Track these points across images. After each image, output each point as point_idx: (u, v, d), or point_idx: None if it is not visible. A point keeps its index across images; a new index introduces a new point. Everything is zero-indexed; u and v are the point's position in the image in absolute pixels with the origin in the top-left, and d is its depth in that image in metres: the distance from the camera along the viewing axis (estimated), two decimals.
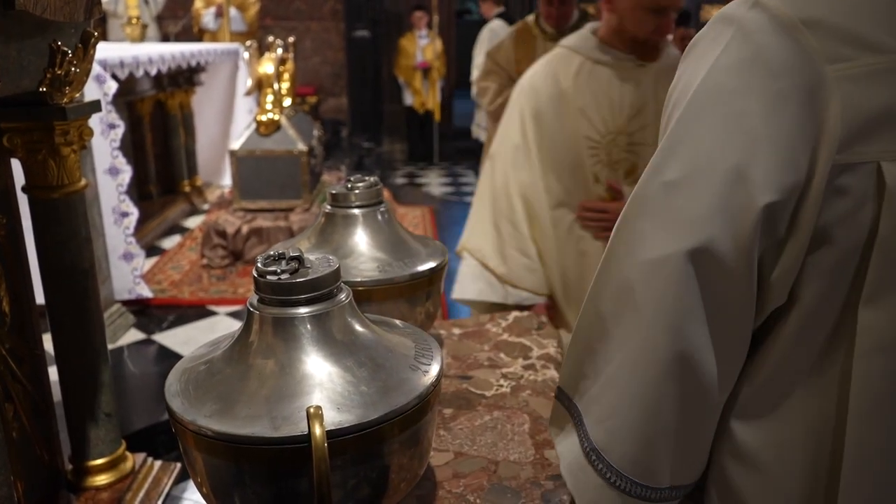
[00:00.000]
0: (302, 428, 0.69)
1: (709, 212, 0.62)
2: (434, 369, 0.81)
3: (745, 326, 0.66)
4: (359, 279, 1.04)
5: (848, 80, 0.59)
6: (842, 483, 0.62)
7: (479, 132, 6.03)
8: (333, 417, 0.70)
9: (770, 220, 0.61)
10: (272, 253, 0.79)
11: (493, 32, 6.05)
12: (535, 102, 1.81)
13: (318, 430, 0.67)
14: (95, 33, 1.29)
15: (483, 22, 6.37)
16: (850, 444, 0.62)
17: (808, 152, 0.60)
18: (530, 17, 3.21)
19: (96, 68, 2.92)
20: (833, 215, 0.61)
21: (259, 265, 0.78)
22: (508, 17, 6.11)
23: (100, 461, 1.46)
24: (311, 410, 0.68)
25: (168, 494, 1.57)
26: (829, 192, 0.60)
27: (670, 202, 0.64)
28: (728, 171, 0.61)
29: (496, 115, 2.92)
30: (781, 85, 0.60)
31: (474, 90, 6.08)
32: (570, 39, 1.89)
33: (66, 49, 1.18)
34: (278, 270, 0.77)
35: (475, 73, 6.07)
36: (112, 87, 3.02)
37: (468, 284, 1.91)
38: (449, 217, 5.68)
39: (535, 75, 1.87)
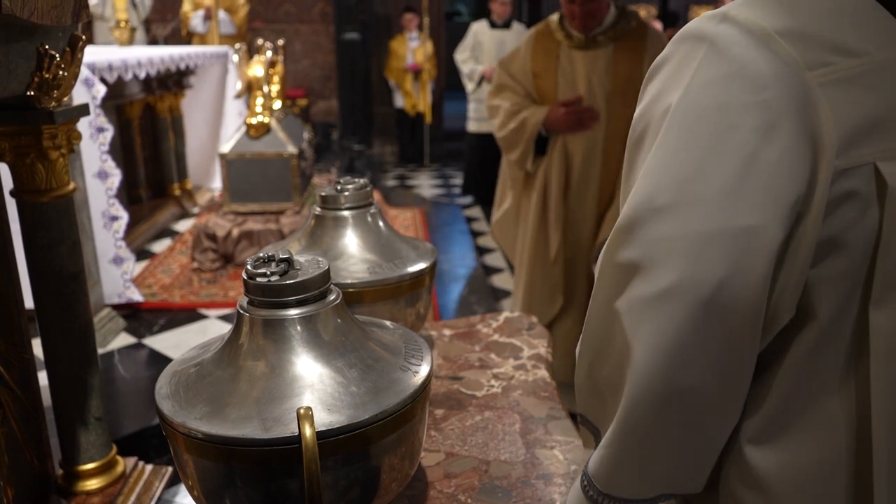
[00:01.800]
0: (292, 429, 0.69)
1: (708, 239, 0.59)
2: (424, 370, 0.81)
3: (751, 353, 0.63)
4: (349, 281, 1.04)
5: (831, 85, 0.59)
6: (875, 495, 0.59)
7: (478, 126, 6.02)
8: (324, 418, 0.71)
9: (775, 238, 0.59)
10: (262, 255, 0.80)
11: (475, 35, 6.05)
12: None
13: (308, 431, 0.68)
14: (83, 37, 1.29)
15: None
16: (878, 455, 0.59)
17: (807, 162, 0.58)
18: (554, 18, 2.47)
19: (85, 72, 2.91)
20: (839, 223, 0.59)
21: (249, 267, 0.78)
22: (491, 21, 6.05)
23: (90, 465, 1.45)
24: (302, 411, 0.69)
25: (159, 498, 1.56)
26: (833, 199, 0.59)
27: (663, 230, 0.61)
28: (726, 191, 0.59)
29: (509, 143, 2.46)
30: (767, 96, 0.59)
31: (471, 108, 6.09)
32: None
33: (53, 53, 1.18)
34: (268, 272, 0.77)
35: (465, 76, 6.08)
36: (101, 90, 3.00)
37: None
38: (439, 218, 5.68)
39: None
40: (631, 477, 0.68)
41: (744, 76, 0.59)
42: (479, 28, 6.04)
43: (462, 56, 6.11)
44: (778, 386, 0.65)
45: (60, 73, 1.23)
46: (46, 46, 1.16)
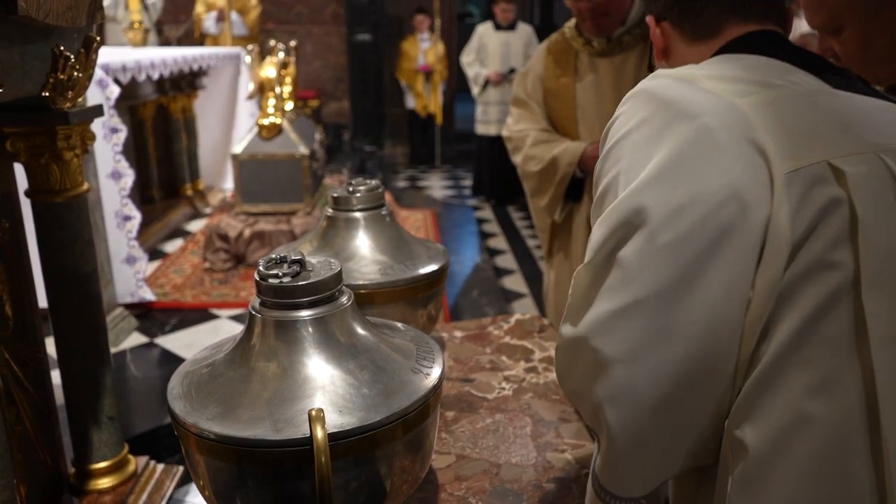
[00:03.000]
0: (304, 430, 0.69)
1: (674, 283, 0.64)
2: (436, 372, 0.81)
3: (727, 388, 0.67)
4: (361, 282, 1.04)
5: (759, 106, 0.66)
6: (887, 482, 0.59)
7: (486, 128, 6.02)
8: (335, 420, 0.70)
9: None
10: (274, 256, 0.79)
11: (480, 37, 6.04)
12: None
13: (319, 433, 0.67)
14: (98, 38, 1.30)
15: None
16: (889, 441, 0.59)
17: (761, 174, 0.63)
18: (570, 24, 2.00)
19: (99, 73, 2.93)
20: (807, 220, 0.63)
21: (261, 269, 0.78)
22: (496, 23, 6.01)
23: (102, 464, 1.46)
24: (313, 413, 0.68)
25: (171, 497, 1.57)
26: (795, 203, 0.63)
27: (624, 271, 0.66)
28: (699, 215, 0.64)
29: (534, 185, 1.98)
30: (704, 121, 0.65)
31: (478, 110, 6.07)
32: None
33: (68, 54, 1.19)
34: (280, 274, 0.77)
35: (470, 79, 6.08)
36: (114, 91, 3.02)
37: None
38: (451, 219, 5.68)
39: None
40: (627, 479, 0.72)
41: (676, 110, 0.68)
42: (484, 30, 6.03)
43: (467, 59, 6.12)
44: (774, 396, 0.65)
45: (75, 74, 1.24)
46: (61, 48, 1.17)
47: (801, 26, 2.29)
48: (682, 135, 0.65)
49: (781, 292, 0.63)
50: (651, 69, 0.99)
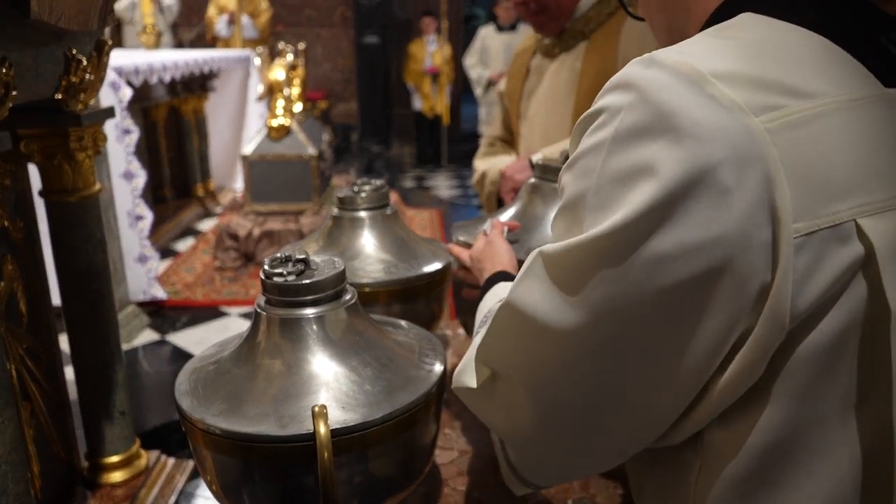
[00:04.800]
0: (308, 426, 0.71)
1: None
2: (438, 368, 0.83)
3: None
4: (365, 280, 1.06)
5: (784, 132, 0.49)
6: None
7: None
8: (338, 416, 0.72)
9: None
10: (279, 255, 0.81)
11: (482, 39, 6.05)
12: None
13: (322, 429, 0.69)
14: (109, 41, 1.32)
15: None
16: None
17: (765, 227, 0.48)
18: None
19: (112, 75, 2.97)
20: (812, 295, 0.49)
21: (266, 268, 0.80)
22: (498, 25, 6.00)
23: (114, 458, 1.49)
24: (316, 409, 0.70)
25: (182, 491, 1.60)
26: (801, 269, 0.49)
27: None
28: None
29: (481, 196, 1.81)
30: (707, 153, 0.48)
31: (482, 111, 6.05)
32: None
33: (80, 57, 1.21)
34: (285, 272, 0.79)
35: (473, 81, 6.10)
36: (127, 93, 3.06)
37: None
38: (457, 219, 5.69)
39: None
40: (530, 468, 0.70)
41: (673, 128, 0.49)
42: (486, 33, 6.06)
43: (470, 61, 6.16)
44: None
45: (87, 76, 1.26)
46: (74, 51, 1.19)
47: None
48: (679, 169, 0.48)
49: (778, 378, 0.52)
50: (630, 17, 0.79)
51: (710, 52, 0.52)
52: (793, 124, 0.49)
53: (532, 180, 1.21)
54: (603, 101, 0.55)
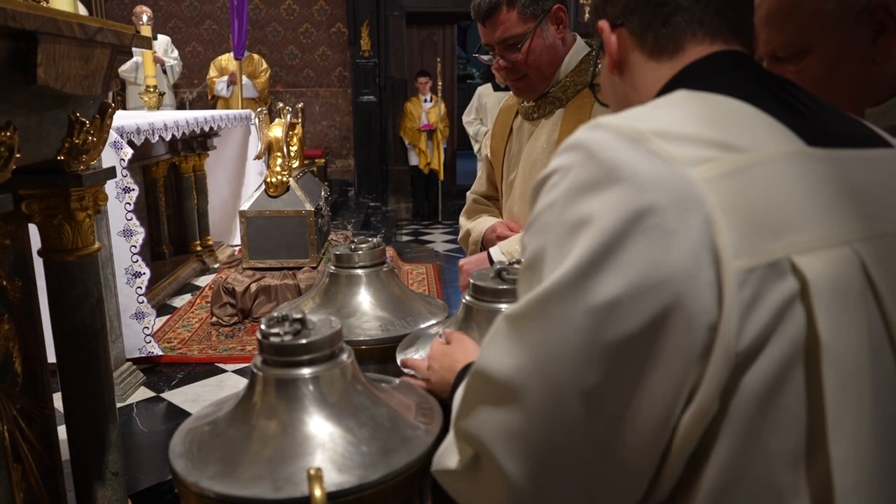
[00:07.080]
0: (303, 489, 0.70)
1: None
2: (435, 429, 0.82)
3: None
4: (362, 338, 1.06)
5: (719, 180, 0.54)
6: None
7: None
8: (334, 479, 0.71)
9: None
10: (276, 315, 0.82)
11: (479, 97, 6.20)
12: None
13: (318, 492, 0.68)
14: (112, 104, 1.36)
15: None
16: None
17: (710, 267, 0.51)
18: None
19: (113, 135, 3.02)
20: (754, 329, 0.52)
21: (263, 327, 0.80)
22: (495, 84, 6.12)
23: None
24: (312, 472, 0.69)
25: None
26: (744, 305, 0.52)
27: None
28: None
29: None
30: (649, 198, 0.52)
31: (479, 166, 6.20)
32: None
33: (84, 120, 1.24)
34: (281, 332, 0.79)
35: (471, 137, 6.24)
36: (128, 153, 3.11)
37: None
38: (452, 273, 5.69)
39: None
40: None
41: (616, 179, 0.54)
42: (483, 91, 6.24)
43: (468, 118, 6.32)
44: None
45: (90, 138, 1.29)
46: (77, 114, 1.23)
47: None
48: (622, 213, 0.52)
49: (726, 416, 0.53)
50: (593, 87, 0.87)
51: (650, 115, 0.60)
52: (727, 174, 0.55)
53: (465, 298, 1.04)
54: (555, 162, 0.60)
